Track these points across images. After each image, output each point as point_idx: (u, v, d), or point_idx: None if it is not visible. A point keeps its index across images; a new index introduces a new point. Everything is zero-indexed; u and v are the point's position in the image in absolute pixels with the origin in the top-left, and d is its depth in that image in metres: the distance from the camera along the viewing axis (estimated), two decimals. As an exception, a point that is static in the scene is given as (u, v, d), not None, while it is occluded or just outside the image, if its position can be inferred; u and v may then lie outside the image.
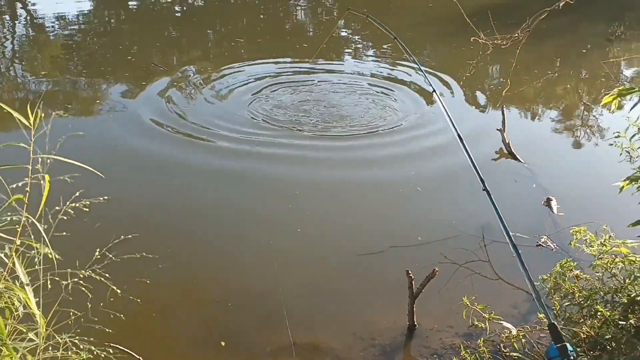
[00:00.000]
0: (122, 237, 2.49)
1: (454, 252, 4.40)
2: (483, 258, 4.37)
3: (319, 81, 8.18)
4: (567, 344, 1.76)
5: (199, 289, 4.04)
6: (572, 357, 1.74)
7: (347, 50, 10.17)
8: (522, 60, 8.45)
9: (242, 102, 7.36)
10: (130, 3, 13.40)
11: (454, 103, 7.41)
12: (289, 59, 9.17)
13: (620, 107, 2.63)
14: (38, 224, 1.46)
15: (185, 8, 13.45)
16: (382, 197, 5.34)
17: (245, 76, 8.31)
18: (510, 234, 2.24)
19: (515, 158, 5.94)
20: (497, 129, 6.26)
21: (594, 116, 7.29)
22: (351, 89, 7.97)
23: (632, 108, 2.60)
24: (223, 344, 3.53)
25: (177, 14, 12.74)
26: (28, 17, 11.75)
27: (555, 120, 7.28)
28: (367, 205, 5.19)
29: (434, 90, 3.96)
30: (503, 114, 6.37)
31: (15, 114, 1.48)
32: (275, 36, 10.83)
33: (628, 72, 8.91)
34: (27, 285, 1.36)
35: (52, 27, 11.03)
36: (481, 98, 7.84)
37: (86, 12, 12.19)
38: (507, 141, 6.09)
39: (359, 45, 10.52)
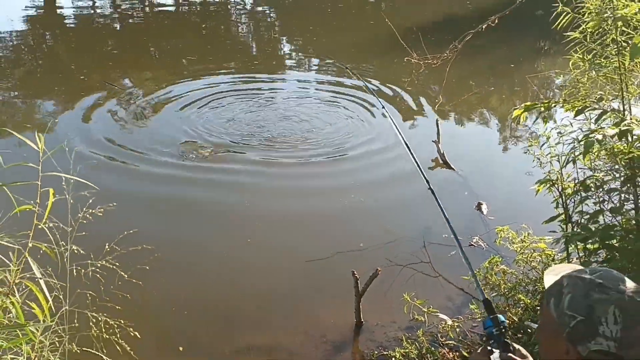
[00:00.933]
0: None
1: (395, 255, 4.78)
2: (423, 259, 4.76)
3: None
4: (500, 315, 2.06)
5: (155, 300, 4.21)
6: (504, 326, 2.03)
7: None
8: (456, 74, 9.08)
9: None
10: (66, 22, 13.32)
11: (393, 116, 7.89)
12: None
13: (525, 119, 3.06)
14: (42, 229, 1.69)
15: (123, 24, 13.50)
16: (326, 207, 5.68)
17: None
18: (452, 227, 2.54)
19: (449, 167, 6.43)
20: (433, 141, 6.73)
21: (521, 127, 7.92)
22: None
23: (533, 122, 3.03)
24: (181, 348, 3.73)
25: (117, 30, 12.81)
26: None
27: (486, 131, 7.89)
28: (312, 216, 5.51)
29: (384, 107, 4.29)
30: (437, 126, 6.86)
31: (27, 140, 1.72)
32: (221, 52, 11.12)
33: (554, 85, 9.67)
34: (41, 278, 1.59)
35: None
36: (418, 111, 8.34)
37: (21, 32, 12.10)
38: (441, 151, 6.57)
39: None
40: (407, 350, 3.56)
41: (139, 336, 2.41)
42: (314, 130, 7.46)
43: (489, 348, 2.02)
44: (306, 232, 5.25)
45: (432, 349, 3.53)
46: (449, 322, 3.76)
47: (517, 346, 1.95)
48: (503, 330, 2.01)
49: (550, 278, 1.54)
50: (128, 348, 2.34)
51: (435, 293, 4.23)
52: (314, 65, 10.98)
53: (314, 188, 6.08)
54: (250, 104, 8.29)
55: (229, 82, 9.21)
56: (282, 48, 12.22)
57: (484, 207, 5.57)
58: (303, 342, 3.82)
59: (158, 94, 8.54)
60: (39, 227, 1.70)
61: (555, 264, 3.70)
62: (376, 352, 3.73)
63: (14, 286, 1.72)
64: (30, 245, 1.71)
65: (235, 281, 4.42)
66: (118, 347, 2.31)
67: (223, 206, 5.60)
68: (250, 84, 9.22)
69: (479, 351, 2.02)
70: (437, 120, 6.98)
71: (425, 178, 2.95)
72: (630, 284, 1.38)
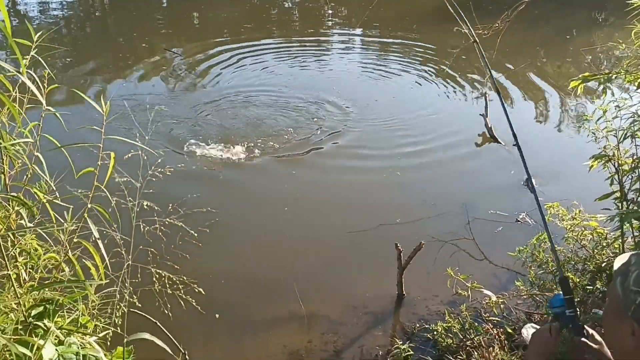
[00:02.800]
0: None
1: (439, 229, 4.73)
2: (467, 234, 4.69)
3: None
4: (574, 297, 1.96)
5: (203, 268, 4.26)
6: (577, 309, 1.94)
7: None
8: (507, 46, 8.79)
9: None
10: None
11: (440, 89, 7.76)
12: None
13: (588, 92, 2.92)
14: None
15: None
16: (368, 182, 5.63)
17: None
18: (530, 176, 2.44)
19: (497, 141, 6.26)
20: (480, 114, 6.57)
21: (574, 100, 7.62)
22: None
23: (598, 94, 2.88)
24: (217, 316, 3.76)
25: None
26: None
27: (537, 105, 7.60)
28: (356, 190, 5.48)
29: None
30: (486, 99, 6.68)
31: (94, 104, 1.75)
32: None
33: (612, 58, 9.24)
34: (99, 238, 1.63)
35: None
36: (466, 85, 8.12)
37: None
38: (489, 125, 6.40)
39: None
40: (449, 325, 3.52)
41: (203, 292, 2.47)
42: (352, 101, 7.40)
43: (534, 327, 1.94)
44: (348, 205, 5.21)
45: (476, 324, 3.48)
46: (493, 298, 3.69)
47: (591, 330, 1.85)
48: (577, 312, 1.90)
49: (618, 262, 1.48)
50: (194, 302, 2.40)
51: (479, 269, 4.16)
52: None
53: (356, 160, 6.03)
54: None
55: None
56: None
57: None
58: (344, 312, 3.83)
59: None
60: (113, 181, 1.74)
61: (608, 242, 3.58)
62: (418, 325, 3.71)
63: (67, 245, 1.77)
64: (89, 205, 1.74)
65: (276, 253, 4.45)
66: (181, 302, 2.37)
67: (268, 180, 5.61)
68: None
69: (545, 332, 1.91)
70: (485, 93, 6.79)
71: (513, 132, 2.81)
72: None
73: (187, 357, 2.87)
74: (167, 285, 2.14)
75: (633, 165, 3.08)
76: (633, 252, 1.45)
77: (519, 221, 4.84)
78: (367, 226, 4.71)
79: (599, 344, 1.78)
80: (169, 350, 2.03)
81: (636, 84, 2.69)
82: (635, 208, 2.96)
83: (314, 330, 3.69)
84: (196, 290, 2.44)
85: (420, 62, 9.00)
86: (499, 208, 4.99)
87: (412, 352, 3.38)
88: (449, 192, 5.37)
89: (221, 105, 7.24)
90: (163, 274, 2.12)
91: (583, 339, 1.79)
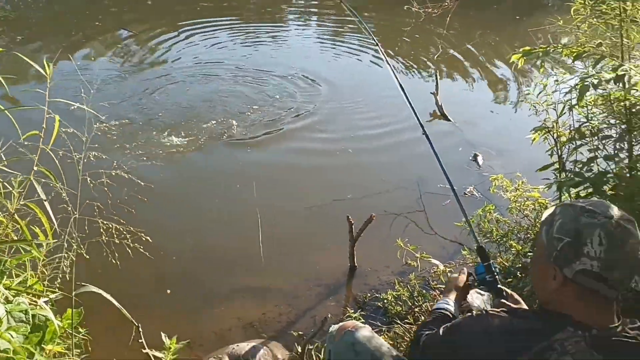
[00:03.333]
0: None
1: (391, 203, 4.84)
2: (418, 208, 4.82)
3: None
4: (493, 262, 2.12)
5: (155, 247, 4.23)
6: (496, 272, 2.09)
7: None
8: (458, 25, 8.97)
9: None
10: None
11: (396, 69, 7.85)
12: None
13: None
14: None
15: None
16: (323, 162, 5.69)
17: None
18: (445, 169, 2.60)
19: (447, 119, 6.42)
20: (431, 92, 6.71)
21: (520, 75, 7.87)
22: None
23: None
24: (169, 291, 3.78)
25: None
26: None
27: (485, 83, 7.80)
28: (309, 167, 5.55)
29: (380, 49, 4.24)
30: (436, 78, 6.82)
31: (35, 65, 1.73)
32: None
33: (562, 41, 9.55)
34: (46, 200, 1.63)
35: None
36: (416, 62, 8.25)
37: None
38: (439, 103, 6.55)
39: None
40: (399, 293, 3.64)
41: (151, 240, 2.49)
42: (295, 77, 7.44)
43: (469, 283, 2.10)
44: (302, 183, 5.28)
45: (424, 291, 3.61)
46: (441, 267, 3.83)
47: (509, 291, 2.02)
48: (496, 276, 2.07)
49: (546, 213, 1.58)
50: (142, 249, 2.43)
51: (429, 241, 4.29)
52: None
53: (310, 140, 6.07)
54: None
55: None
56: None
57: (479, 158, 5.61)
58: (297, 285, 3.90)
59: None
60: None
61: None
62: (369, 295, 3.82)
63: (13, 208, 1.76)
64: (35, 168, 1.74)
65: (228, 229, 4.50)
66: (129, 251, 2.39)
67: (224, 157, 5.60)
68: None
69: (457, 281, 2.10)
70: (435, 72, 6.93)
71: (420, 122, 2.98)
72: (618, 211, 1.42)
73: (140, 330, 2.87)
74: (115, 236, 2.16)
75: (570, 136, 3.24)
76: (559, 204, 1.57)
77: (466, 194, 5.00)
78: (321, 202, 4.78)
79: (517, 302, 1.93)
80: (124, 311, 2.06)
81: (572, 57, 2.82)
82: (572, 177, 3.12)
83: (268, 303, 3.75)
84: (143, 239, 2.46)
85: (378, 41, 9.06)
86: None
87: (363, 320, 3.47)
88: (402, 170, 5.49)
89: (176, 81, 7.16)
90: (110, 225, 2.13)
91: (502, 300, 1.95)
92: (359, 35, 9.31)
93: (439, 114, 6.54)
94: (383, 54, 3.44)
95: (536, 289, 1.60)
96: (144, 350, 2.58)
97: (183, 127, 6.02)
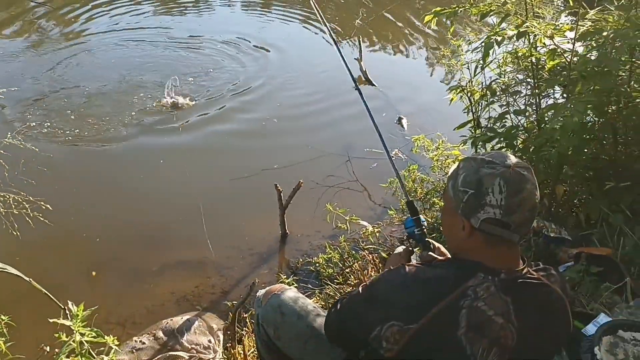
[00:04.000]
0: None
1: (320, 170, 4.91)
2: (346, 173, 4.91)
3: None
4: (421, 216, 2.17)
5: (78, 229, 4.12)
6: (424, 226, 2.14)
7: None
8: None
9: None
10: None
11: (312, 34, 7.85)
12: None
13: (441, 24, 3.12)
14: None
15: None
16: (248, 129, 5.68)
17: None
18: (377, 125, 2.63)
19: (371, 84, 6.51)
20: (355, 58, 6.76)
21: (437, 37, 8.05)
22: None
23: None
24: (94, 273, 3.68)
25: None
26: None
27: (407, 46, 7.94)
28: (234, 138, 5.51)
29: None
30: (359, 44, 6.87)
31: None
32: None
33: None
34: None
35: None
36: (338, 29, 8.27)
37: None
38: (364, 69, 6.63)
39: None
40: (330, 256, 3.72)
41: (50, 208, 2.41)
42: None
43: (410, 248, 2.14)
44: (228, 153, 5.25)
45: (353, 252, 3.70)
46: (370, 228, 3.93)
47: (437, 244, 2.09)
48: (424, 229, 2.12)
49: (452, 167, 1.66)
50: (41, 217, 2.36)
51: (357, 204, 4.40)
52: None
53: (234, 109, 6.00)
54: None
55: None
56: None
57: (404, 122, 5.74)
58: (229, 256, 3.90)
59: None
60: None
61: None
62: (301, 260, 3.88)
63: None
64: None
65: (156, 204, 4.42)
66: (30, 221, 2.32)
67: (143, 128, 5.48)
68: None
69: (399, 252, 2.15)
70: (359, 38, 6.98)
71: (352, 77, 2.98)
72: (514, 159, 1.51)
73: (67, 313, 2.81)
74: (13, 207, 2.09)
75: (482, 94, 3.38)
76: (462, 158, 1.64)
77: (392, 157, 5.10)
78: (250, 172, 4.77)
79: (443, 254, 2.02)
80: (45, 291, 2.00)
81: (479, 16, 2.92)
82: (485, 132, 3.26)
83: (200, 276, 3.74)
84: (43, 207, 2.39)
85: (300, 8, 9.02)
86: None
87: (295, 285, 3.54)
88: (329, 137, 5.54)
89: (93, 56, 6.87)
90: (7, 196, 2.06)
91: (430, 252, 2.02)
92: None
93: (363, 79, 6.61)
94: (321, 17, 3.37)
95: (447, 239, 1.68)
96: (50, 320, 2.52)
97: (111, 101, 5.84)
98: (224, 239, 4.07)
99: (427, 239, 2.09)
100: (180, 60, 6.90)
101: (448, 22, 3.22)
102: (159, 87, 6.18)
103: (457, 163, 1.63)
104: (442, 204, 3.88)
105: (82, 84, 6.19)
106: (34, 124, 5.30)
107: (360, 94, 2.79)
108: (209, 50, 7.25)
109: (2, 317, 2.60)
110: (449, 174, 1.61)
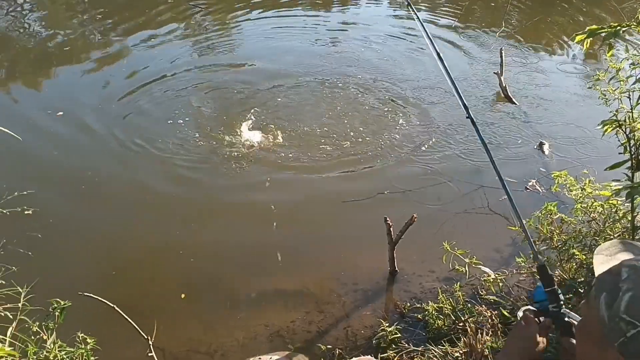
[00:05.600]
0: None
1: (440, 198, 4.44)
2: (471, 203, 4.39)
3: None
4: (557, 289, 1.64)
5: (171, 246, 4.00)
6: (562, 303, 1.62)
7: None
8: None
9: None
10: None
11: (450, 46, 7.26)
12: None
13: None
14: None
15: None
16: (366, 150, 5.17)
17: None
18: (494, 161, 2.13)
19: (511, 101, 5.85)
20: (494, 72, 6.14)
21: (595, 60, 7.06)
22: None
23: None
24: (183, 296, 3.55)
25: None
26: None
27: (554, 64, 7.03)
28: (349, 158, 5.03)
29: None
30: (501, 56, 6.22)
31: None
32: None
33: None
34: None
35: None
36: (478, 40, 7.57)
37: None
38: (504, 84, 5.98)
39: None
40: (441, 305, 3.26)
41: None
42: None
43: (539, 320, 1.60)
44: (343, 175, 4.82)
45: (469, 305, 3.21)
46: (492, 275, 3.41)
47: (577, 320, 1.51)
48: (563, 306, 1.58)
49: (601, 260, 1.17)
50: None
51: (479, 243, 3.88)
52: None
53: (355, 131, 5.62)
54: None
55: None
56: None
57: (545, 147, 5.04)
58: (331, 289, 3.60)
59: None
60: None
61: (619, 217, 3.24)
62: (409, 304, 3.47)
63: None
64: None
65: (257, 225, 4.19)
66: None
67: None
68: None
69: (523, 333, 1.59)
70: (500, 50, 6.32)
71: (463, 104, 2.48)
72: None
73: (150, 343, 2.68)
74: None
75: (646, 131, 2.72)
76: (625, 260, 1.13)
77: (527, 189, 4.49)
78: (363, 195, 4.44)
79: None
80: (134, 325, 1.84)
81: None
82: (647, 181, 2.61)
83: (298, 310, 3.47)
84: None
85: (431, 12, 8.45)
86: (507, 174, 4.64)
87: (399, 335, 3.14)
88: (454, 159, 5.00)
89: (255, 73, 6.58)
90: None
91: (572, 339, 1.48)
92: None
93: (502, 95, 5.97)
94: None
95: None
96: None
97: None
98: (329, 269, 3.78)
99: (567, 319, 1.52)
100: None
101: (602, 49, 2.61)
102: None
103: (613, 260, 1.14)
104: (584, 257, 3.26)
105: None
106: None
107: (474, 123, 2.29)
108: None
109: (89, 339, 2.54)
110: (601, 278, 1.12)
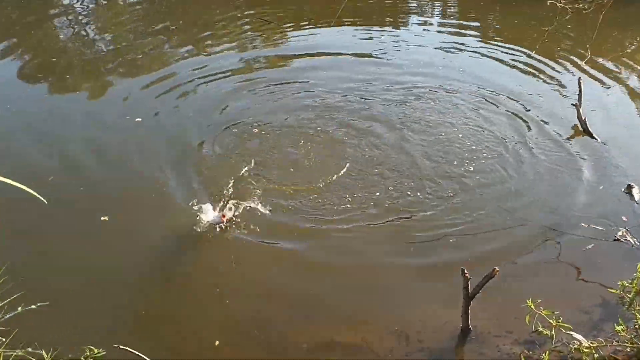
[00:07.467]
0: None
1: (516, 244, 3.96)
2: (552, 253, 3.89)
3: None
4: None
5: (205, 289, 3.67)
6: None
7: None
8: (612, 24, 7.57)
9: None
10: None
11: (524, 76, 6.75)
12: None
13: None
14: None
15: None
16: (438, 187, 4.65)
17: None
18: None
19: (591, 136, 5.31)
20: (573, 104, 5.63)
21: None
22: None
23: None
24: (217, 343, 3.22)
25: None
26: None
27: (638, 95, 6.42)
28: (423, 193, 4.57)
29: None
30: (580, 87, 5.70)
31: None
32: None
33: None
34: None
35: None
36: (555, 70, 7.00)
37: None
38: (582, 117, 5.45)
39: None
40: (525, 376, 2.79)
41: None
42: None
43: None
44: (408, 212, 4.34)
45: (560, 379, 2.73)
46: (585, 343, 2.93)
47: None
48: None
49: None
50: None
51: (567, 302, 3.38)
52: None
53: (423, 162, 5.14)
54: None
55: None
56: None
57: (635, 191, 4.48)
58: (394, 347, 3.17)
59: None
60: None
61: None
62: (484, 371, 3.00)
63: None
64: None
65: (319, 268, 3.80)
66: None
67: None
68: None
69: None
70: (579, 80, 5.80)
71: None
72: None
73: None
74: None
75: None
76: None
77: (617, 239, 3.95)
78: (430, 237, 4.00)
79: None
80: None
81: None
82: None
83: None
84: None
85: (503, 41, 7.90)
86: (591, 220, 4.12)
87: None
88: (530, 198, 4.49)
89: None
90: None
91: None
92: (479, 36, 8.24)
93: (581, 129, 5.44)
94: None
95: None
96: None
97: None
98: (391, 322, 3.34)
99: None
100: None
101: None
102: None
103: None
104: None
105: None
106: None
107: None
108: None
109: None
110: None
